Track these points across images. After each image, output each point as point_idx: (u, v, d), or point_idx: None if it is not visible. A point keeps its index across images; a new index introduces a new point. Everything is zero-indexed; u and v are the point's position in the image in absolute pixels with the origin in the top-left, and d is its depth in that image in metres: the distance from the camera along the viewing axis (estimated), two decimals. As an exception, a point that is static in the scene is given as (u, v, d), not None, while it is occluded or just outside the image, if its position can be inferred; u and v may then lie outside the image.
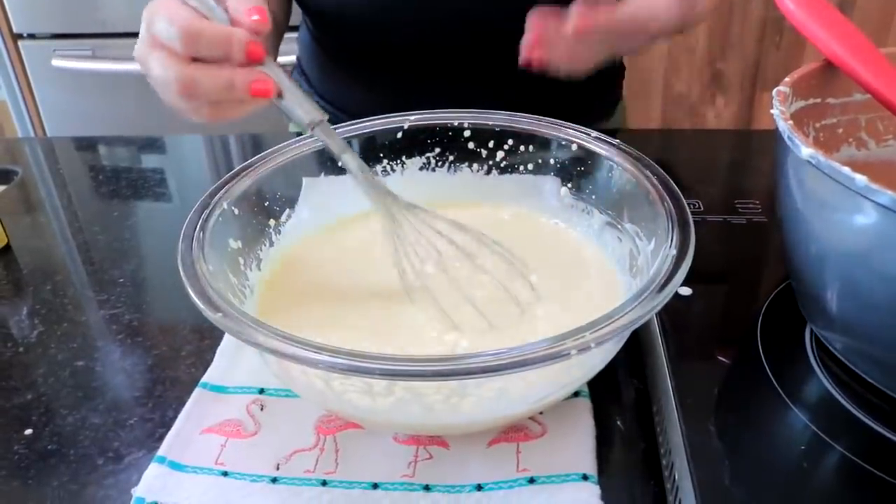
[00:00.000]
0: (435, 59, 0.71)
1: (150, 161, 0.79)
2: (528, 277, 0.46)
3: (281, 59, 1.04)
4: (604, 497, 0.37)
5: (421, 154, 0.55)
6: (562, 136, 0.51)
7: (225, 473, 0.40)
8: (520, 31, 0.52)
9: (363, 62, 0.75)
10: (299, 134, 0.53)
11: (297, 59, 0.84)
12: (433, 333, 0.44)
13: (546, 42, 0.51)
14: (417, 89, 0.74)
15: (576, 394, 0.43)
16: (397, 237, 0.45)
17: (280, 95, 0.44)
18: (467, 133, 0.54)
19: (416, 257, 0.46)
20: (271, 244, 0.50)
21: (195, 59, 0.43)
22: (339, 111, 0.78)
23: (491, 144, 0.54)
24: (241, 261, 0.46)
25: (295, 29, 0.83)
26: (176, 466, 0.40)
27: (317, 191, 0.53)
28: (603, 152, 0.49)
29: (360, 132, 0.53)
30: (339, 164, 0.46)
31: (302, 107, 0.44)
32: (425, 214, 0.46)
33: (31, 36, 1.51)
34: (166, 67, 0.43)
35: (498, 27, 0.68)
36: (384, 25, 0.70)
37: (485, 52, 0.70)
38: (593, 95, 0.80)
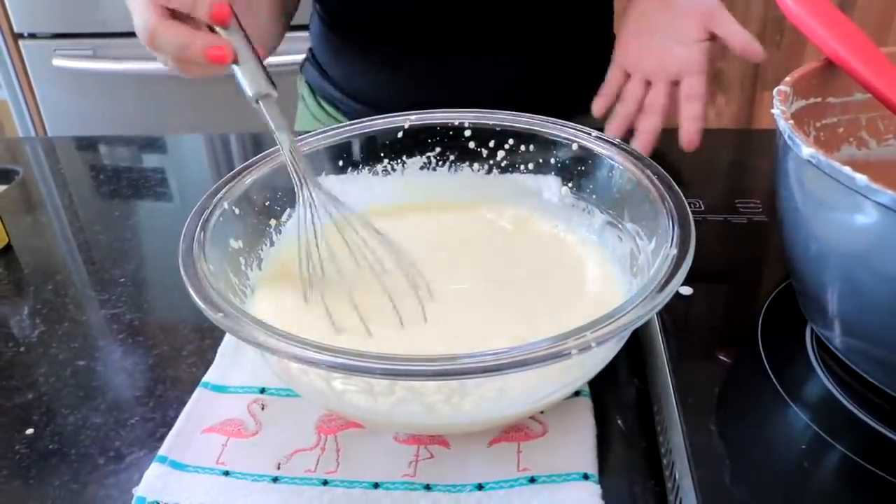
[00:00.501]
0: (444, 33, 0.72)
1: (150, 161, 0.79)
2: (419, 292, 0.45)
3: (286, 58, 1.05)
4: (604, 496, 0.37)
5: (421, 153, 0.55)
6: (562, 135, 0.51)
7: (226, 473, 0.40)
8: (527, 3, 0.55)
9: (375, 41, 0.75)
10: (300, 134, 0.53)
11: (310, 50, 0.85)
12: (434, 331, 0.44)
13: None
14: (427, 66, 0.75)
15: (576, 393, 0.43)
16: (312, 225, 0.45)
17: (236, 63, 0.45)
18: (468, 132, 0.54)
19: (321, 248, 0.45)
20: (272, 244, 0.50)
21: (173, 15, 0.46)
22: (351, 99, 0.79)
23: (491, 144, 0.54)
24: (242, 260, 0.47)
25: (303, 28, 0.83)
26: (177, 466, 0.40)
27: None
28: (603, 151, 0.49)
29: (361, 132, 0.53)
30: (276, 139, 0.46)
31: (253, 78, 0.45)
32: (349, 213, 0.46)
33: (32, 35, 1.51)
34: (140, 15, 0.47)
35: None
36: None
37: (490, 21, 0.71)
38: (589, 85, 0.81)
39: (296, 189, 0.46)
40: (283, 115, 0.46)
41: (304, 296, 0.45)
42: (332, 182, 0.53)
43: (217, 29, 0.46)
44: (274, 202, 0.51)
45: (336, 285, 0.45)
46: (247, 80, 0.45)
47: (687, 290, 0.47)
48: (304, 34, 0.84)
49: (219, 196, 0.45)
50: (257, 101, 0.46)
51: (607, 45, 0.83)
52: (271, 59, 0.76)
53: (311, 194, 0.45)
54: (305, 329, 0.41)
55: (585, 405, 0.43)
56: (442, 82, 0.75)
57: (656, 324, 0.45)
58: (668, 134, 0.64)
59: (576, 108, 0.76)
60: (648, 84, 0.63)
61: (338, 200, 0.46)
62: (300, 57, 0.88)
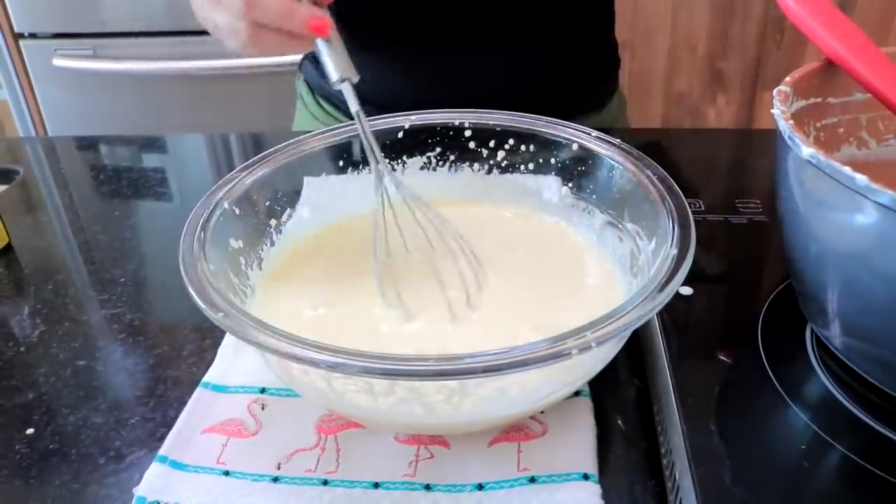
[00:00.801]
0: (445, 28, 0.72)
1: (151, 160, 0.79)
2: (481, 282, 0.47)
3: (284, 58, 1.05)
4: (604, 496, 0.37)
5: (422, 153, 0.55)
6: (562, 135, 0.51)
7: (226, 473, 0.40)
8: None
9: (375, 37, 0.75)
10: (300, 133, 0.53)
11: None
12: (434, 331, 0.44)
13: None
14: (428, 63, 0.75)
15: (577, 393, 0.43)
16: (383, 211, 0.46)
17: (328, 41, 0.46)
18: (468, 133, 0.54)
19: (395, 235, 0.47)
20: (272, 244, 0.50)
21: None
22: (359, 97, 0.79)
23: (492, 144, 0.54)
24: (243, 260, 0.47)
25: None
26: (177, 466, 0.40)
27: (318, 190, 0.53)
28: (604, 152, 0.49)
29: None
30: (353, 117, 0.47)
31: (341, 60, 0.46)
32: (419, 201, 0.47)
33: (33, 35, 1.51)
34: None
35: None
36: None
37: (492, 16, 0.71)
38: (588, 83, 0.81)
39: (371, 166, 0.47)
40: (357, 98, 0.47)
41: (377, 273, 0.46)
42: (333, 182, 0.53)
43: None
44: (274, 202, 0.51)
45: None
46: (335, 60, 0.46)
47: (687, 291, 0.47)
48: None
49: (219, 196, 0.45)
50: (342, 82, 0.46)
51: (607, 46, 0.84)
52: (269, 59, 0.76)
53: (383, 172, 0.47)
54: (306, 329, 0.41)
55: (585, 405, 0.43)
56: (442, 79, 0.75)
57: (656, 324, 0.45)
58: (669, 133, 0.64)
59: (577, 106, 0.77)
60: None
61: (409, 189, 0.47)
62: (298, 56, 0.88)
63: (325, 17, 0.46)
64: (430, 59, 0.74)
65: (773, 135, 0.41)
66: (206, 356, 0.49)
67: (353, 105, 0.47)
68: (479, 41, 0.73)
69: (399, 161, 0.55)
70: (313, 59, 0.83)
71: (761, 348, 0.42)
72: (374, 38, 0.76)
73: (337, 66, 0.46)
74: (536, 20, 0.74)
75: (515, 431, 0.41)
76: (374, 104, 0.59)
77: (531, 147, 0.53)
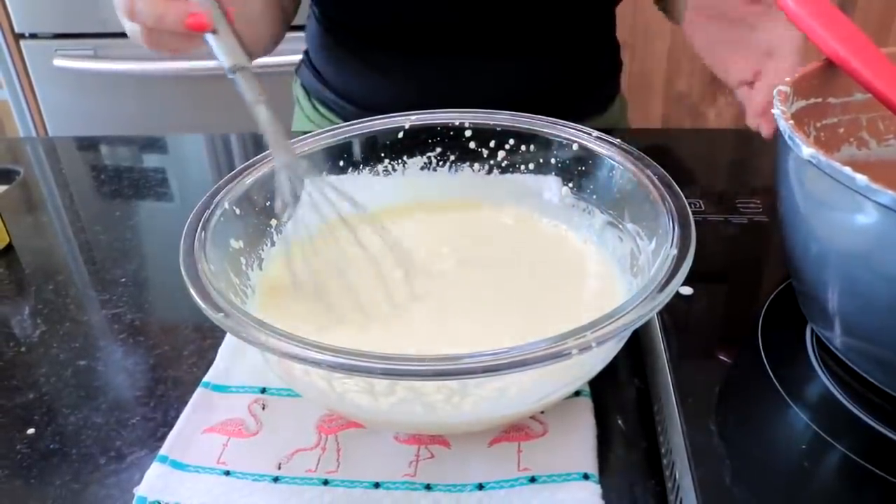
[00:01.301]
0: (443, 38, 0.72)
1: (151, 161, 0.79)
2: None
3: (281, 58, 1.05)
4: (605, 496, 0.37)
5: (422, 154, 0.55)
6: (563, 135, 0.51)
7: (227, 473, 0.40)
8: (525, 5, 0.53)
9: (372, 45, 0.75)
10: (301, 133, 0.53)
11: (306, 52, 0.84)
12: (434, 330, 0.44)
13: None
14: (425, 71, 0.75)
15: (577, 393, 0.43)
16: (294, 205, 0.46)
17: (214, 32, 0.45)
18: (468, 133, 0.54)
19: (304, 227, 0.46)
20: (273, 244, 0.50)
21: None
22: (349, 103, 0.79)
23: (492, 144, 0.54)
24: (243, 260, 0.47)
25: (298, 29, 0.83)
26: (178, 466, 0.40)
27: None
28: (604, 152, 0.49)
29: (362, 132, 0.53)
30: (252, 114, 0.46)
31: (230, 49, 0.45)
32: (329, 188, 0.46)
33: (33, 35, 1.51)
34: None
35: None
36: (393, 4, 0.71)
37: (490, 26, 0.71)
38: (590, 88, 0.81)
39: (276, 169, 0.46)
40: (262, 88, 0.46)
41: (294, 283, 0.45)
42: (332, 182, 0.53)
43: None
44: (275, 202, 0.51)
45: (333, 279, 0.46)
46: (223, 50, 0.45)
47: (687, 291, 0.47)
48: (299, 34, 0.84)
49: (219, 196, 0.45)
50: (233, 73, 0.45)
51: (610, 51, 0.83)
52: (266, 60, 0.76)
53: (293, 173, 0.45)
54: (306, 329, 0.41)
55: (586, 405, 0.43)
56: (441, 86, 0.74)
57: (657, 324, 0.45)
58: (670, 133, 0.64)
59: (579, 111, 0.76)
60: None
61: (318, 176, 0.46)
62: (296, 58, 0.88)
63: (199, 12, 0.45)
64: (429, 66, 0.74)
65: (773, 135, 0.41)
66: (206, 356, 0.49)
67: (250, 94, 0.45)
68: (480, 50, 0.73)
69: (399, 161, 0.55)
70: (310, 63, 0.83)
71: (761, 348, 0.42)
72: (373, 46, 0.76)
73: (227, 55, 0.45)
74: (537, 31, 0.73)
75: (516, 431, 0.41)
76: (371, 109, 0.59)
77: (531, 147, 0.53)
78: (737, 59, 0.60)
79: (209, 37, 0.46)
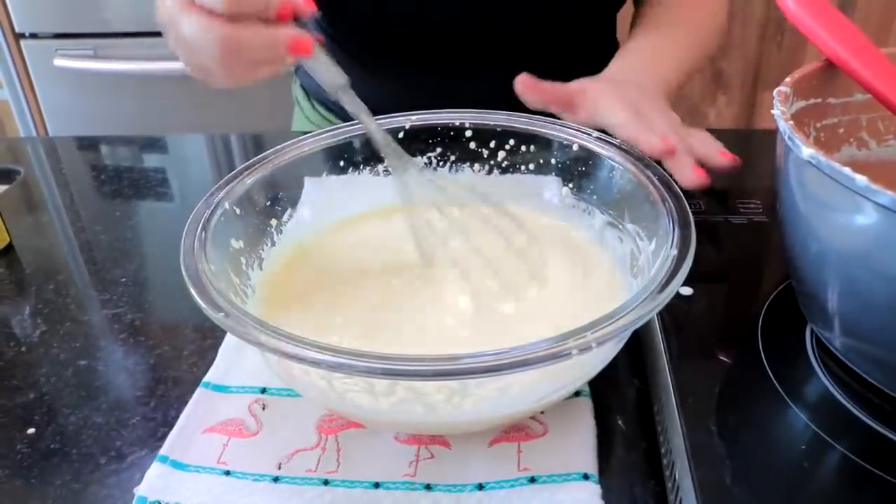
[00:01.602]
0: (445, 49, 0.72)
1: (151, 161, 0.79)
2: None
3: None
4: (604, 496, 0.37)
5: (422, 154, 0.55)
6: (563, 136, 0.51)
7: (227, 473, 0.40)
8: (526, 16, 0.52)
9: (373, 52, 0.75)
10: (301, 133, 0.53)
11: None
12: (433, 330, 0.44)
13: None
14: (425, 80, 0.75)
15: (577, 393, 0.43)
16: (409, 204, 0.47)
17: (313, 55, 0.45)
18: (468, 133, 0.54)
19: (428, 225, 0.48)
20: (273, 244, 0.50)
21: (232, 20, 0.42)
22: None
23: (492, 144, 0.54)
24: (243, 260, 0.47)
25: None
26: (178, 466, 0.40)
27: (319, 190, 0.53)
28: (604, 152, 0.49)
29: (362, 132, 0.53)
30: (362, 125, 0.48)
31: (330, 71, 0.46)
32: (439, 178, 0.48)
33: (34, 35, 1.51)
34: (206, 28, 0.42)
35: (505, 15, 0.69)
36: (394, 14, 0.71)
37: (496, 40, 0.71)
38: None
39: (387, 162, 0.49)
40: (358, 99, 0.47)
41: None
42: (334, 182, 0.53)
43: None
44: (275, 202, 0.51)
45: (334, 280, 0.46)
46: (325, 73, 0.46)
47: (687, 291, 0.47)
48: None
49: (220, 196, 0.45)
50: (337, 91, 0.47)
51: (610, 54, 0.83)
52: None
53: (405, 173, 0.48)
54: (306, 329, 0.41)
55: (586, 405, 0.43)
56: (440, 96, 0.75)
57: (657, 324, 0.45)
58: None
59: None
60: None
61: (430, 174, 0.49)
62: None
63: (306, 36, 0.44)
64: (430, 73, 0.74)
65: (773, 135, 0.41)
66: (206, 356, 0.49)
67: (355, 107, 0.47)
68: (482, 60, 0.73)
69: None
70: None
71: (761, 349, 0.42)
72: (374, 53, 0.75)
73: (328, 79, 0.46)
74: (541, 40, 0.73)
75: (516, 431, 0.41)
76: (371, 111, 0.59)
77: (532, 147, 0.53)
78: None
79: (309, 63, 0.46)
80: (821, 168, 0.35)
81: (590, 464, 0.39)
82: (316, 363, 0.33)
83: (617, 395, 0.45)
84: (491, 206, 0.52)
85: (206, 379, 0.46)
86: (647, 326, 0.46)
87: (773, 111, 0.40)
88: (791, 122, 0.38)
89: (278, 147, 0.51)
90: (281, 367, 0.39)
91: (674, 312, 0.45)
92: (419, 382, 0.37)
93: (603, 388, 0.44)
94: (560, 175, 0.53)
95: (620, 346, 0.41)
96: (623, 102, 0.54)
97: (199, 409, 0.44)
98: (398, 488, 0.39)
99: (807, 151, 0.36)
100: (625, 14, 0.79)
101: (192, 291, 0.37)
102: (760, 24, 1.55)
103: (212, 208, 0.44)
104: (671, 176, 0.46)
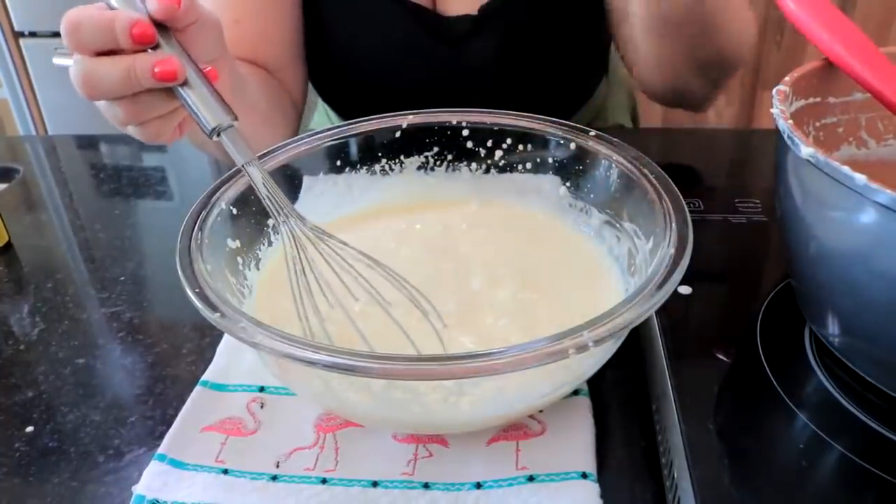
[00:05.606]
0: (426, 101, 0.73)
1: (150, 160, 0.79)
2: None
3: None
4: (603, 495, 0.37)
5: (419, 153, 0.55)
6: (560, 134, 0.51)
7: (225, 471, 0.40)
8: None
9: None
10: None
11: None
12: (429, 332, 0.44)
13: None
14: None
15: (575, 392, 0.43)
16: (300, 260, 0.41)
17: (187, 84, 0.39)
18: (465, 132, 0.54)
19: (317, 283, 0.42)
20: (269, 244, 0.50)
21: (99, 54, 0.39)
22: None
23: (489, 143, 0.54)
24: (240, 260, 0.47)
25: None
26: (176, 464, 0.40)
27: (316, 190, 0.53)
28: (601, 151, 0.49)
29: (359, 131, 0.53)
30: (243, 173, 0.41)
31: (208, 107, 0.39)
32: (333, 241, 0.43)
33: (33, 34, 1.51)
34: (72, 65, 0.39)
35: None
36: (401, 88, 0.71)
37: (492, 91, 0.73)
38: (582, 99, 0.81)
39: (275, 221, 0.42)
40: (248, 145, 0.41)
41: (304, 330, 0.41)
42: (332, 182, 0.53)
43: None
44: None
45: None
46: (202, 109, 0.39)
47: (686, 290, 0.47)
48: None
49: (217, 196, 0.45)
50: (218, 135, 0.39)
51: (602, 66, 0.84)
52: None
53: (292, 226, 0.41)
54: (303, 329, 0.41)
55: (584, 404, 0.43)
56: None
57: (655, 323, 0.45)
58: (669, 133, 0.64)
59: (566, 113, 0.77)
60: None
61: (320, 229, 0.42)
62: None
63: (167, 57, 0.38)
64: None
65: (772, 135, 0.41)
66: (205, 355, 0.49)
67: (239, 157, 0.40)
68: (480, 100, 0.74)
69: (396, 161, 0.55)
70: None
71: (760, 348, 0.42)
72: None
73: (207, 114, 0.39)
74: (540, 83, 0.75)
75: (514, 430, 0.41)
76: None
77: (529, 146, 0.53)
78: None
79: (181, 91, 0.39)
80: (820, 167, 0.35)
81: (588, 462, 0.39)
82: (312, 363, 0.33)
83: (616, 394, 0.45)
84: (489, 205, 0.51)
85: (204, 377, 0.46)
86: (645, 325, 0.46)
87: (772, 110, 0.40)
88: (790, 121, 0.38)
89: (276, 146, 0.51)
90: (277, 368, 0.39)
91: (673, 312, 0.45)
92: (416, 382, 0.37)
93: (602, 387, 0.44)
94: (557, 174, 0.53)
95: (618, 345, 0.41)
96: None
97: (197, 407, 0.44)
98: (396, 487, 0.39)
99: (806, 150, 0.36)
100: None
101: (188, 291, 0.37)
102: (760, 23, 1.55)
103: (209, 208, 0.44)
104: None
